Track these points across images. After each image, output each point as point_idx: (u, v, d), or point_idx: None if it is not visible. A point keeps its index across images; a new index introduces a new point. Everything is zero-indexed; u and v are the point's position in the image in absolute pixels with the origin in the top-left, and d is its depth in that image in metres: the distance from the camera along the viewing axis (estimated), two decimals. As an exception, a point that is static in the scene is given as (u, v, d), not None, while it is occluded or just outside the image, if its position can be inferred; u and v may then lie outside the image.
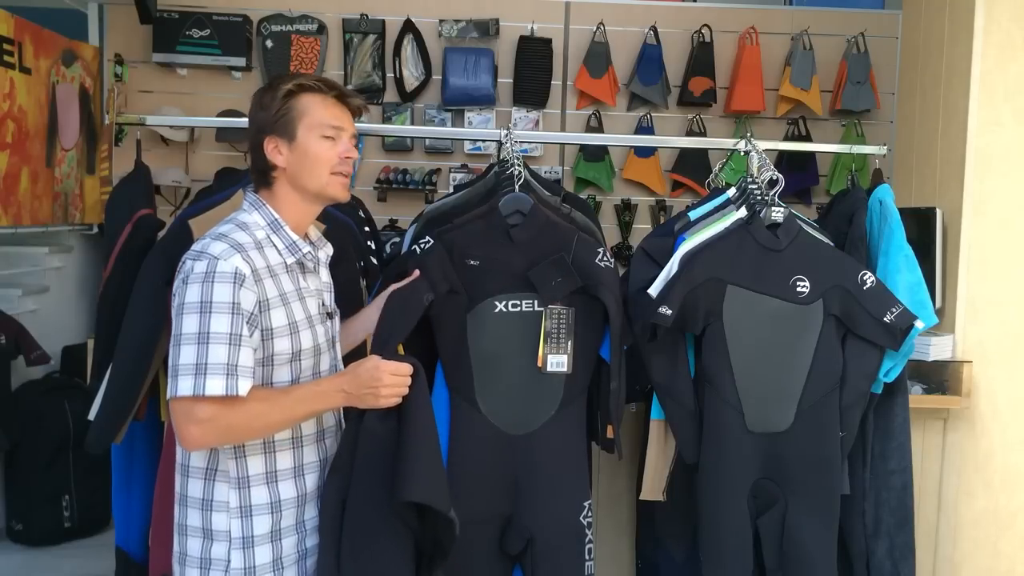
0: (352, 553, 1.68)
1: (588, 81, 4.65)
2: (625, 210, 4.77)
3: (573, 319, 2.09)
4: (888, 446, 2.36)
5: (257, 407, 1.60)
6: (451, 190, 3.18)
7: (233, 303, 1.58)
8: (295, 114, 1.71)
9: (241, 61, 4.54)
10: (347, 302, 2.02)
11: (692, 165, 4.72)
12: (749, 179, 2.33)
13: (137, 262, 2.19)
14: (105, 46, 4.60)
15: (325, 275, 1.86)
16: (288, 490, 1.71)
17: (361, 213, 2.65)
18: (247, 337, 1.59)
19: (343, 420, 1.85)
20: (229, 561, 1.65)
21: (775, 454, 2.15)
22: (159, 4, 4.42)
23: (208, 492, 1.67)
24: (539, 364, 2.08)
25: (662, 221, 4.54)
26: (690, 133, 4.74)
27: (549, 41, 4.63)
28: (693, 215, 2.34)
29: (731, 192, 2.35)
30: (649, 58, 4.66)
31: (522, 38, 4.63)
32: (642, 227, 4.74)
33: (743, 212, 2.23)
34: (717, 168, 2.67)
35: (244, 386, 1.57)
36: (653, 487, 2.28)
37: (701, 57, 4.69)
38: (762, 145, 2.45)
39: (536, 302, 2.09)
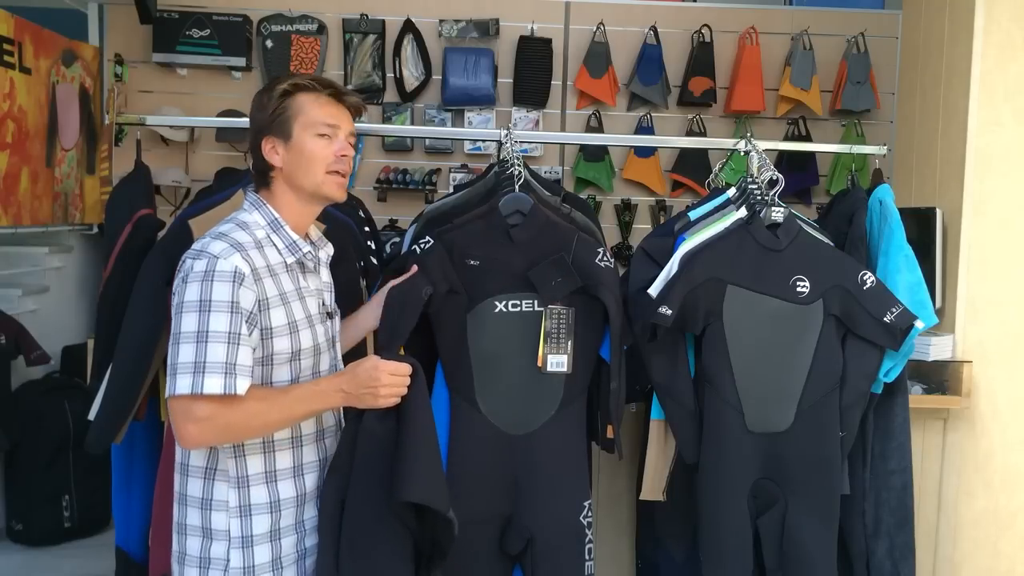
0: (351, 553, 1.68)
1: (588, 81, 4.65)
2: (625, 210, 4.77)
3: (573, 319, 2.09)
4: (888, 446, 2.36)
5: (255, 406, 1.60)
6: (451, 190, 3.18)
7: (232, 302, 1.58)
8: (291, 113, 1.71)
9: (241, 61, 4.54)
10: (347, 302, 2.02)
11: (692, 165, 4.72)
12: (749, 179, 2.33)
13: (137, 262, 2.19)
14: (105, 46, 4.60)
15: (326, 275, 1.86)
16: (287, 490, 1.71)
17: (361, 213, 2.65)
18: (246, 336, 1.59)
19: (343, 420, 1.85)
20: (228, 560, 1.65)
21: (775, 454, 2.15)
22: (159, 4, 4.42)
23: (207, 491, 1.67)
24: (539, 364, 2.08)
25: (662, 221, 4.54)
26: (690, 133, 4.74)
27: (549, 41, 4.63)
28: (693, 215, 2.34)
29: (731, 192, 2.35)
30: (649, 58, 4.66)
31: (522, 38, 4.64)
32: (642, 227, 4.74)
33: (743, 212, 2.23)
34: (717, 168, 2.67)
35: (242, 385, 1.57)
36: (653, 487, 2.28)
37: (701, 57, 4.69)
38: (762, 145, 2.45)
39: (536, 302, 2.09)
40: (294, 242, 1.73)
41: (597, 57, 4.64)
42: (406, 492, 1.65)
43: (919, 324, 2.14)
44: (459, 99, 4.59)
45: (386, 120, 4.67)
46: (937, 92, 2.99)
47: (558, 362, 2.09)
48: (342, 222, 2.31)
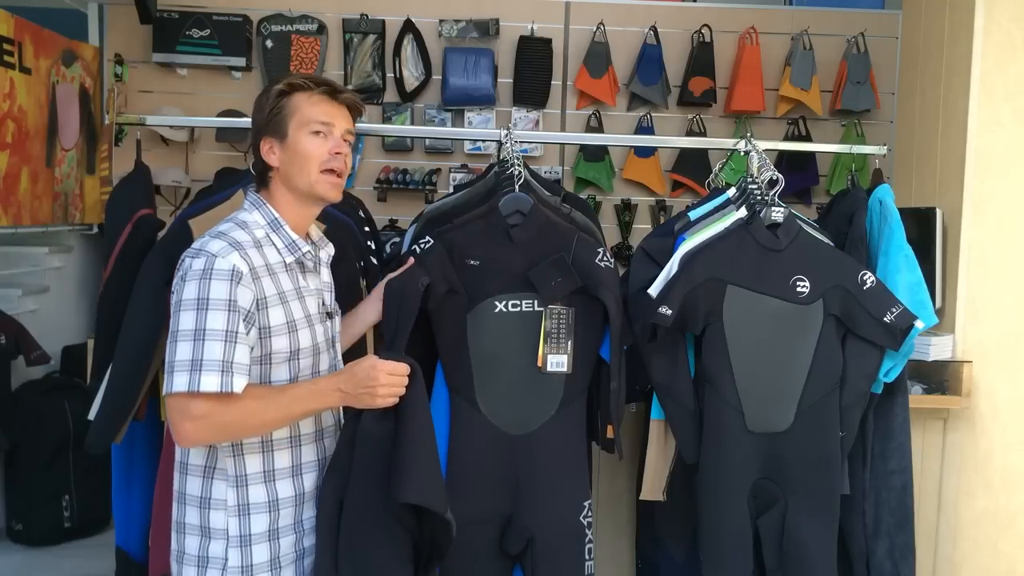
0: (349, 553, 1.68)
1: (588, 81, 4.65)
2: (625, 210, 4.76)
3: (573, 319, 2.09)
4: (888, 446, 2.36)
5: (252, 404, 1.60)
6: (451, 190, 3.17)
7: (230, 300, 1.58)
8: (286, 113, 1.72)
9: (241, 61, 4.54)
10: (347, 302, 2.02)
11: (692, 165, 4.71)
12: (749, 179, 2.33)
13: (137, 262, 2.19)
14: (105, 46, 4.60)
15: (326, 275, 1.86)
16: (286, 489, 1.71)
17: (361, 213, 2.65)
18: (243, 334, 1.59)
19: (342, 419, 1.85)
20: (226, 559, 1.65)
21: (775, 454, 2.15)
22: (159, 4, 4.42)
23: (206, 490, 1.67)
24: (539, 364, 2.08)
25: (662, 221, 4.54)
26: (690, 133, 4.73)
27: (549, 41, 4.63)
28: (693, 215, 2.34)
29: (731, 192, 2.35)
30: (649, 58, 4.66)
31: (522, 38, 4.63)
32: (642, 227, 4.74)
33: (743, 212, 2.23)
34: (717, 168, 2.67)
35: (239, 383, 1.57)
36: (653, 487, 2.28)
37: (701, 57, 4.68)
38: (762, 145, 2.45)
39: (536, 302, 2.09)
40: (293, 242, 1.73)
41: (597, 57, 4.64)
42: (403, 493, 1.65)
43: (919, 324, 2.14)
44: (459, 99, 4.59)
45: (386, 120, 4.67)
46: (937, 92, 2.99)
47: (558, 362, 2.09)
48: (342, 222, 2.31)
